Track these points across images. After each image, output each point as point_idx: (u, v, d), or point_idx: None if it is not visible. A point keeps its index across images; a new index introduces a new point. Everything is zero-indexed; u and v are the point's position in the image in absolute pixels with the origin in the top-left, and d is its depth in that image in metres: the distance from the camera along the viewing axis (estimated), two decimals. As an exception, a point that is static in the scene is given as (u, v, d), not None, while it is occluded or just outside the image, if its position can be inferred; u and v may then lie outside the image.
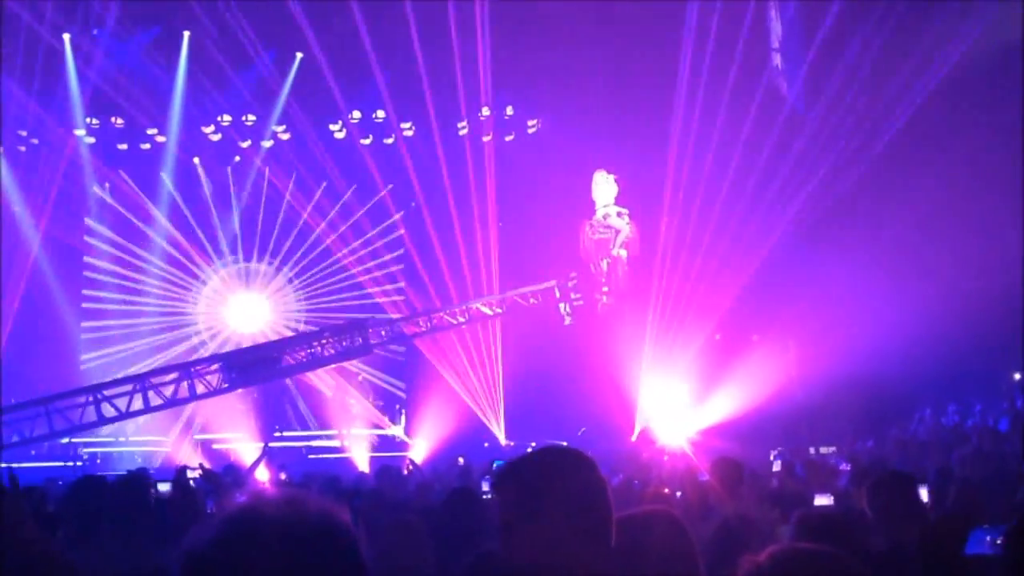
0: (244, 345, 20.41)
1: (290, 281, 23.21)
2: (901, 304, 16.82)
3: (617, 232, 20.68)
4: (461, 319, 19.70)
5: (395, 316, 20.75)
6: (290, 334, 21.33)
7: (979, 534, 4.78)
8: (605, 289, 20.69)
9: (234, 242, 23.02)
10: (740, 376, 17.70)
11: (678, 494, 7.57)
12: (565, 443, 18.29)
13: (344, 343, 17.94)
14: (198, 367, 17.07)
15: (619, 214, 20.81)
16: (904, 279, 17.14)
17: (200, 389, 16.62)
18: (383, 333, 18.80)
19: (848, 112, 17.99)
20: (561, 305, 20.12)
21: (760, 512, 5.80)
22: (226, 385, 16.95)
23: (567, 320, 20.22)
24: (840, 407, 17.43)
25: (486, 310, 19.85)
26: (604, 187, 20.87)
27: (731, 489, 6.12)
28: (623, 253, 20.73)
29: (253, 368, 17.25)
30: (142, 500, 4.85)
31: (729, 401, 17.61)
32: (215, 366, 17.01)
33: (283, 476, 12.06)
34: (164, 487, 7.77)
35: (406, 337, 19.49)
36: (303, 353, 17.71)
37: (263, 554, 1.56)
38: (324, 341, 17.86)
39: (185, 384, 16.55)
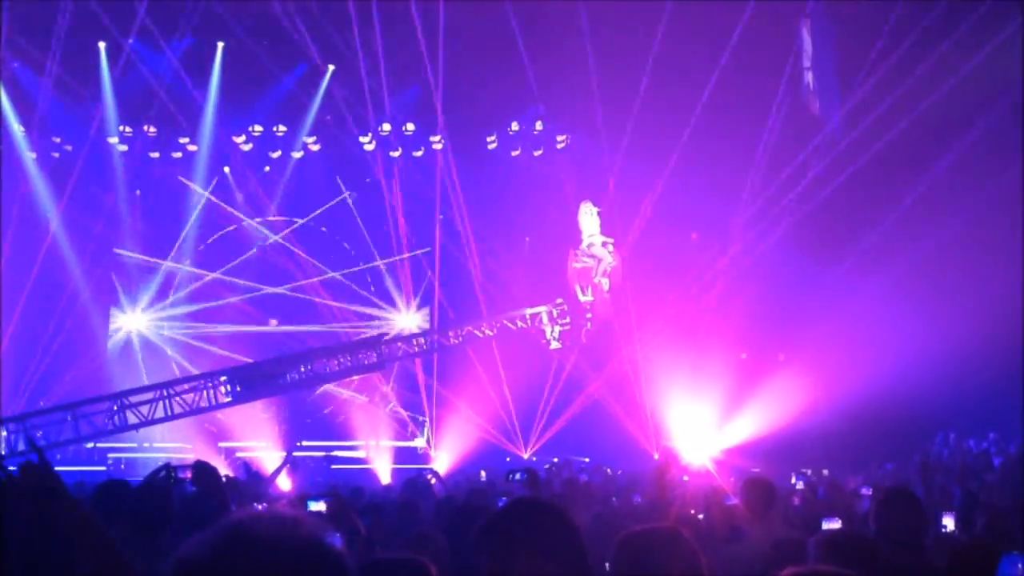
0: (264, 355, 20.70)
1: (316, 290, 23.27)
2: (925, 328, 16.68)
3: (599, 261, 21.11)
4: (455, 340, 20.22)
5: (399, 333, 21.31)
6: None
7: (1010, 560, 4.71)
8: (589, 315, 21.07)
9: (261, 250, 23.13)
10: (765, 396, 17.60)
11: (700, 516, 7.48)
12: (587, 459, 18.37)
13: (342, 361, 18.30)
14: (213, 379, 17.33)
15: (604, 244, 21.30)
16: (929, 303, 17.00)
17: (208, 400, 16.93)
18: (378, 353, 19.05)
19: (879, 134, 17.89)
20: (547, 329, 20.50)
21: (787, 533, 5.70)
22: (229, 399, 17.23)
23: (553, 344, 20.67)
24: (862, 430, 17.29)
25: (477, 333, 20.31)
26: (588, 219, 21.45)
27: (761, 511, 5.98)
28: (604, 282, 21.22)
29: (261, 382, 17.53)
30: (165, 503, 4.86)
31: (754, 421, 17.50)
32: (223, 378, 17.27)
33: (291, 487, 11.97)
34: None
35: (401, 357, 19.80)
36: (307, 369, 18.00)
37: (250, 569, 1.57)
38: (325, 358, 18.21)
39: (205, 394, 16.84)
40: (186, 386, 17.22)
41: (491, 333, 20.31)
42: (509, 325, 20.32)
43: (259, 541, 1.59)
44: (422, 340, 20.15)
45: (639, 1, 18.23)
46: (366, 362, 18.66)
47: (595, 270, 21.11)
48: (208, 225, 22.94)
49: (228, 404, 17.66)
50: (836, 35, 19.48)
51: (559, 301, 20.72)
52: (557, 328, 20.61)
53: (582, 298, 21.07)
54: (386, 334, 21.21)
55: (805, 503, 9.07)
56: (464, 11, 19.39)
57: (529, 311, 20.46)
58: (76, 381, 20.16)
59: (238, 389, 17.32)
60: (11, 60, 20.37)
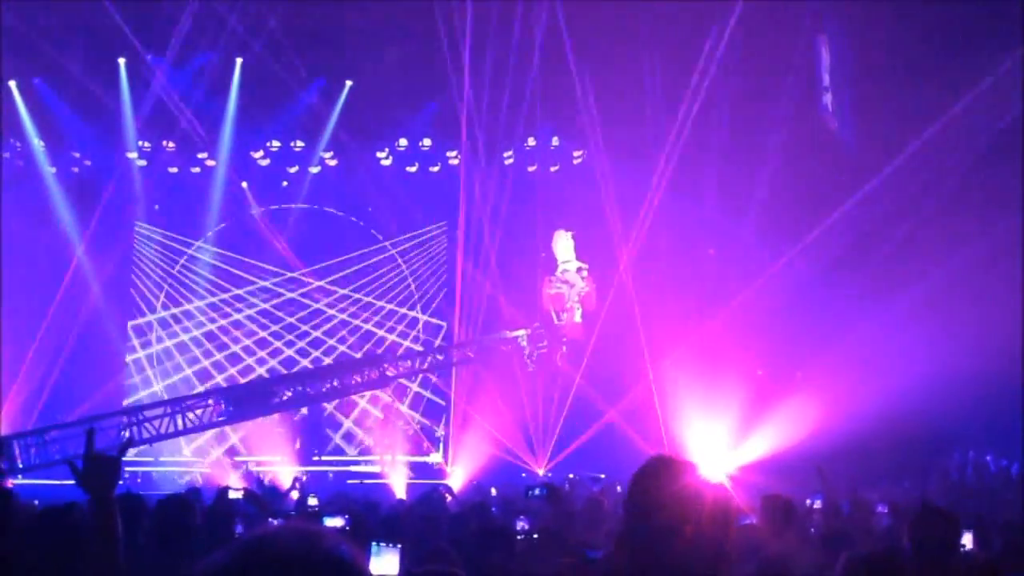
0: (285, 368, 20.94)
1: (332, 305, 23.31)
2: (938, 348, 16.59)
3: (572, 287, 21.51)
4: (439, 357, 21.15)
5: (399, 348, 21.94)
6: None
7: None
8: (564, 339, 21.44)
9: (280, 266, 23.19)
10: (782, 413, 17.50)
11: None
12: (603, 475, 18.32)
13: (331, 383, 18.64)
14: (203, 400, 17.61)
15: (578, 270, 21.74)
16: (941, 324, 16.91)
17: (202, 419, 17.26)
18: (366, 376, 19.27)
19: (895, 156, 17.85)
20: (525, 350, 21.04)
21: (802, 553, 5.62)
22: (222, 419, 17.48)
23: (529, 366, 21.11)
24: (878, 447, 17.19)
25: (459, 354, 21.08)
26: (563, 245, 21.89)
27: (779, 530, 5.89)
28: (577, 307, 21.59)
29: (253, 402, 17.82)
30: (181, 522, 4.86)
31: (770, 438, 17.40)
32: (210, 401, 17.57)
33: (314, 501, 11.96)
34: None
35: (389, 379, 20.13)
36: (300, 389, 18.29)
37: None
38: (317, 379, 18.58)
39: (198, 412, 17.15)
40: (190, 403, 17.47)
41: (471, 355, 20.93)
42: (503, 346, 20.81)
43: (280, 555, 1.58)
44: (409, 361, 20.44)
45: (655, 17, 18.26)
46: (355, 381, 19.02)
47: (568, 296, 21.38)
48: (228, 240, 23.00)
49: (221, 423, 17.92)
50: (854, 55, 19.44)
51: (536, 325, 21.24)
52: (536, 352, 21.03)
53: (557, 322, 21.39)
54: (379, 353, 21.51)
55: (826, 521, 8.98)
56: (480, 27, 19.46)
57: (509, 333, 20.99)
58: (95, 395, 20.25)
59: (231, 409, 17.59)
60: (32, 76, 20.56)
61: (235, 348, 22.86)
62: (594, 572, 4.98)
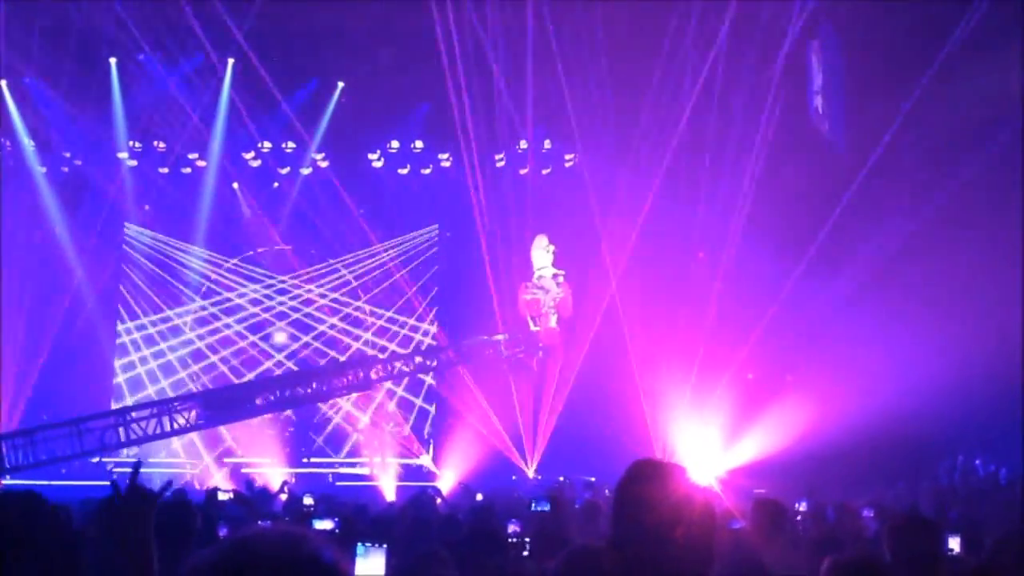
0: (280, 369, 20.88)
1: (322, 304, 23.30)
2: (931, 352, 16.63)
3: (547, 292, 21.87)
4: (423, 360, 21.29)
5: (379, 352, 22.05)
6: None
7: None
8: (541, 345, 21.68)
9: (271, 267, 23.18)
10: (772, 417, 17.53)
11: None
12: (593, 478, 18.33)
13: (316, 386, 18.70)
14: (185, 403, 17.71)
15: (554, 276, 22.01)
16: (936, 327, 16.95)
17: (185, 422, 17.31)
18: (351, 379, 19.35)
19: (887, 159, 17.88)
20: (503, 353, 21.29)
21: (793, 558, 5.60)
22: (202, 421, 17.57)
23: (506, 369, 21.31)
24: (868, 451, 17.22)
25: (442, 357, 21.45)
26: (539, 253, 22.16)
27: (770, 535, 5.85)
28: (552, 314, 21.87)
29: (234, 406, 17.91)
30: (182, 524, 4.84)
31: (760, 441, 17.43)
32: (188, 405, 17.71)
33: (309, 501, 11.97)
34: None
35: (374, 382, 20.24)
36: (284, 392, 18.40)
37: None
38: (300, 383, 18.98)
39: (195, 412, 17.21)
40: (177, 405, 17.50)
41: (454, 358, 21.18)
42: (485, 349, 20.99)
43: (264, 557, 1.58)
44: (386, 367, 20.56)
45: (648, 21, 18.29)
46: (340, 384, 19.08)
47: (543, 302, 21.63)
48: (217, 241, 22.97)
49: (206, 425, 17.97)
50: (844, 59, 19.49)
51: (513, 330, 21.44)
52: (513, 357, 21.29)
53: (533, 328, 21.65)
54: (364, 356, 21.60)
55: (815, 524, 9.00)
56: (473, 29, 19.47)
57: (490, 337, 21.21)
58: (83, 396, 20.19)
59: (216, 411, 17.65)
60: (23, 75, 20.49)
61: (222, 359, 22.85)
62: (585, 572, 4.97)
